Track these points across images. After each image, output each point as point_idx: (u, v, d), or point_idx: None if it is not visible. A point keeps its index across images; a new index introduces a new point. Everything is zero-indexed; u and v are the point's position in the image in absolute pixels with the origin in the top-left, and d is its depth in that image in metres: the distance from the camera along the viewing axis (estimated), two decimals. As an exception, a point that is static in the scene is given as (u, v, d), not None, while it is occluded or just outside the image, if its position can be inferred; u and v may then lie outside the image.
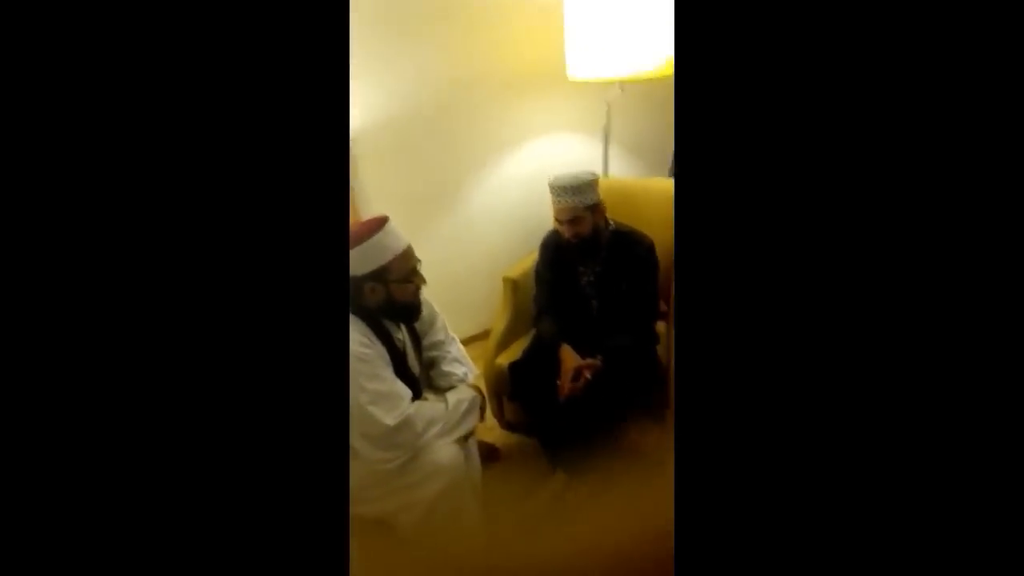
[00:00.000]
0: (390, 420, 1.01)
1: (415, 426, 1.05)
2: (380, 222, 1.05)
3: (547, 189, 1.90)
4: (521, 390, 1.44)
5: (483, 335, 2.02)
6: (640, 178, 2.19)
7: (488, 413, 1.47)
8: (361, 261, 1.04)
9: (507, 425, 1.65)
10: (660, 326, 1.53)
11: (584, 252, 1.41)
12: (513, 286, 1.63)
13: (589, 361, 1.32)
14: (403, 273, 1.08)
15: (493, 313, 1.74)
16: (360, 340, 1.03)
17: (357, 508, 1.08)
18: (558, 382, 1.30)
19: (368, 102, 1.72)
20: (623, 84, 1.74)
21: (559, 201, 1.33)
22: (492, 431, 1.65)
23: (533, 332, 1.54)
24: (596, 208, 1.36)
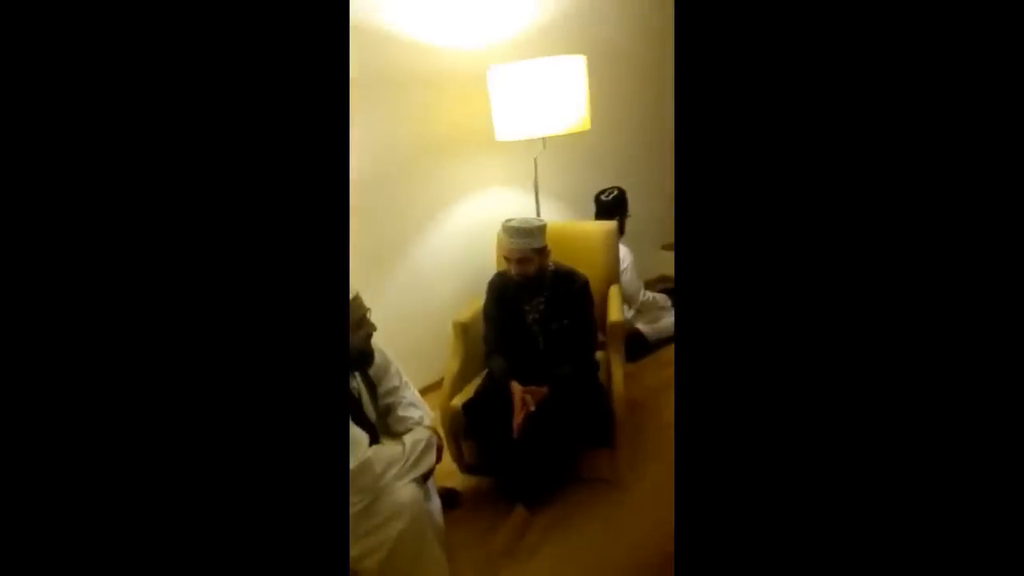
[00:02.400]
0: (350, 464, 1.04)
1: (374, 468, 1.08)
2: None
3: (486, 239, 2.04)
4: (476, 428, 1.50)
5: (437, 384, 2.06)
6: (570, 221, 2.39)
7: (447, 458, 1.50)
8: None
9: (466, 468, 1.68)
10: (599, 354, 1.65)
11: (528, 290, 1.53)
12: (463, 329, 1.71)
13: (533, 388, 1.40)
14: (352, 320, 1.15)
15: (446, 361, 1.80)
16: (315, 390, 1.07)
17: (320, 560, 1.08)
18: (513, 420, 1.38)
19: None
20: (546, 141, 1.95)
21: (511, 242, 1.46)
22: (453, 476, 1.66)
23: (485, 372, 1.62)
24: (543, 251, 1.50)
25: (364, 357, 1.21)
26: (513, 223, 1.46)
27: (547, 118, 1.77)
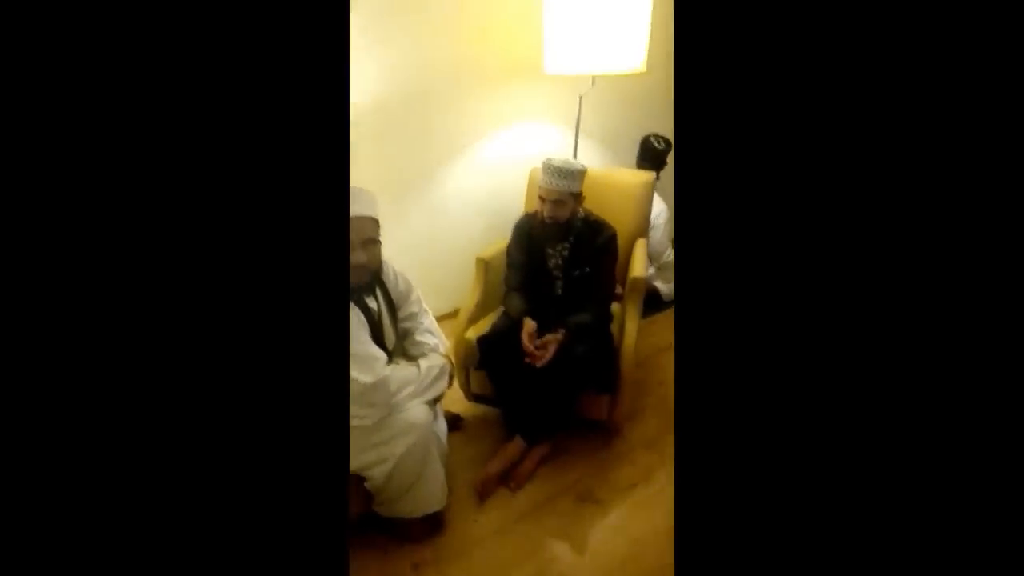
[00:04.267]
0: (367, 378, 1.09)
1: (389, 386, 1.13)
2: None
3: (517, 176, 1.98)
4: (487, 361, 1.55)
5: (453, 313, 2.11)
6: (608, 168, 2.32)
7: (455, 385, 1.57)
8: None
9: (472, 396, 1.76)
10: (615, 307, 1.66)
11: (555, 234, 1.52)
12: (484, 266, 1.72)
13: (550, 337, 1.43)
14: (370, 236, 1.13)
15: (463, 292, 1.83)
16: (339, 306, 1.10)
17: (332, 461, 1.17)
18: (526, 349, 1.41)
19: (353, 84, 1.76)
20: (595, 79, 1.85)
21: (550, 181, 1.43)
22: (458, 402, 1.75)
23: (501, 308, 1.64)
24: (578, 197, 1.48)
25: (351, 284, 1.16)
26: (555, 162, 1.42)
27: (602, 55, 1.67)
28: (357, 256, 1.12)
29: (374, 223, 1.15)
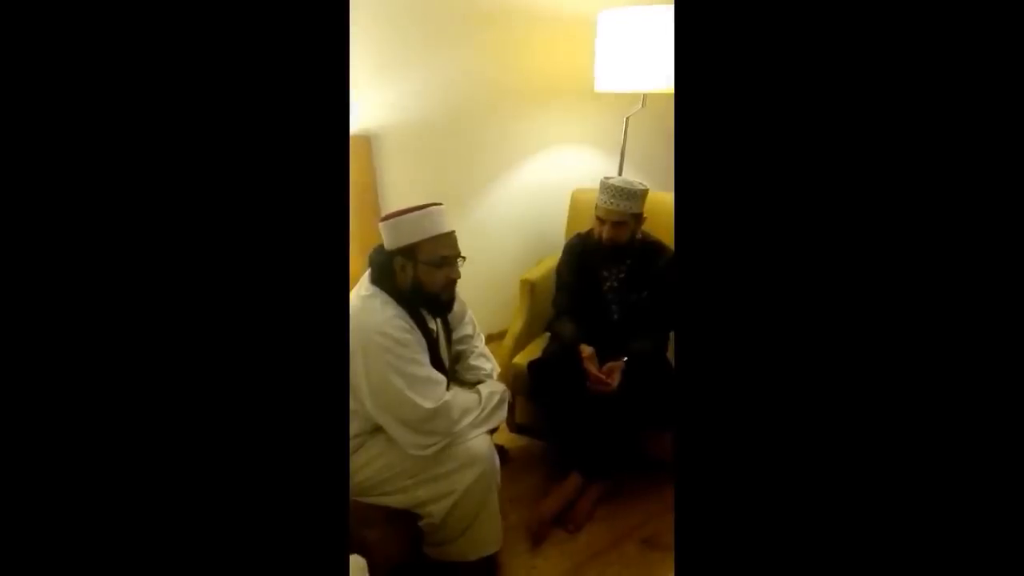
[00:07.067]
0: (429, 404, 1.00)
1: (452, 412, 1.04)
2: (429, 205, 1.05)
3: (559, 198, 1.92)
4: (540, 389, 1.44)
5: (498, 336, 2.02)
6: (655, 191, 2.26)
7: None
8: (394, 235, 1.04)
9: (516, 428, 1.65)
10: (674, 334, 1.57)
11: (610, 257, 1.44)
12: (531, 288, 1.64)
13: (612, 364, 1.33)
14: (432, 257, 1.05)
15: (503, 314, 1.74)
16: (401, 325, 1.02)
17: (387, 498, 1.06)
18: (588, 381, 1.31)
19: (398, 101, 1.73)
20: (645, 98, 1.81)
21: (609, 202, 1.35)
22: (500, 434, 1.64)
23: (549, 334, 1.55)
24: (638, 218, 1.40)
25: (439, 300, 1.10)
26: (614, 182, 1.35)
27: (654, 72, 1.62)
28: (455, 271, 1.08)
29: (447, 238, 1.08)
